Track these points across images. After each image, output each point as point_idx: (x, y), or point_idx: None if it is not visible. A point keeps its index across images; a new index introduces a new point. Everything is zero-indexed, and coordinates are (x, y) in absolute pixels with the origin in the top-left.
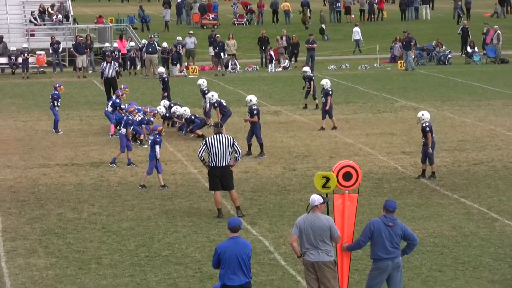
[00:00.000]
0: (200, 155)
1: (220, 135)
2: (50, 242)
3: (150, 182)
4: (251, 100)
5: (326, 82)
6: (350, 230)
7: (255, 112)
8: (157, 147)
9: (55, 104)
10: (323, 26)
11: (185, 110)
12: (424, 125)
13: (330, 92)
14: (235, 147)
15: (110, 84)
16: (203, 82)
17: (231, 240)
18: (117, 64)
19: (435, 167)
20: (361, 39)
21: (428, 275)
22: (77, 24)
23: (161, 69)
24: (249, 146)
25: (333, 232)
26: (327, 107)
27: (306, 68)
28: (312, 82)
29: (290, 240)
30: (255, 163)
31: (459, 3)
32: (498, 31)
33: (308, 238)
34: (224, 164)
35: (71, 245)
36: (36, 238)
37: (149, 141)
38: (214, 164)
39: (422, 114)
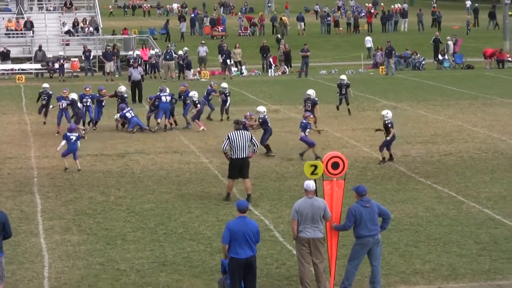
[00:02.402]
0: (224, 148)
1: (240, 131)
2: (82, 221)
3: (168, 170)
4: (264, 111)
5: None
6: (337, 211)
7: (260, 120)
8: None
9: (86, 103)
10: (279, 36)
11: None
12: (387, 122)
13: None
14: (253, 141)
15: (136, 86)
16: (194, 94)
17: (240, 219)
18: (142, 69)
19: (385, 154)
20: (372, 46)
21: (405, 249)
22: (115, 34)
23: (45, 85)
24: (266, 147)
25: (326, 212)
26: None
27: (343, 77)
28: (349, 89)
29: (292, 224)
30: (258, 154)
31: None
32: (448, 42)
33: (307, 218)
34: (244, 156)
35: (100, 224)
36: (70, 218)
37: None
38: (236, 156)
39: (387, 113)
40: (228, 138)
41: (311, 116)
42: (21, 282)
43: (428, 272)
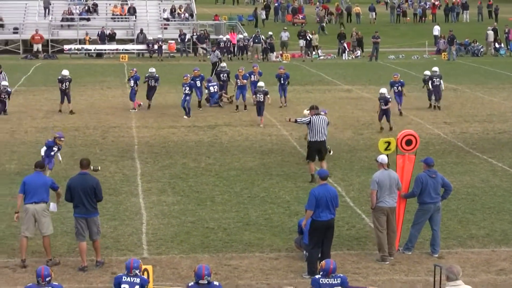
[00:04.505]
0: (300, 120)
1: (319, 116)
2: (176, 184)
3: (252, 141)
4: (384, 92)
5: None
6: (407, 182)
7: (390, 100)
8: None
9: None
10: (323, 24)
11: None
12: None
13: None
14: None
15: (213, 68)
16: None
17: (322, 186)
18: (219, 52)
19: None
20: (439, 34)
21: (462, 216)
22: (227, 20)
23: (4, 82)
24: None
25: (399, 182)
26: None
27: (436, 68)
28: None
29: (372, 194)
30: (333, 128)
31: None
32: (488, 32)
33: (385, 188)
34: (322, 139)
35: (192, 187)
36: (166, 181)
37: None
38: (314, 139)
39: None
40: (311, 120)
41: None
42: (122, 237)
43: (483, 237)
